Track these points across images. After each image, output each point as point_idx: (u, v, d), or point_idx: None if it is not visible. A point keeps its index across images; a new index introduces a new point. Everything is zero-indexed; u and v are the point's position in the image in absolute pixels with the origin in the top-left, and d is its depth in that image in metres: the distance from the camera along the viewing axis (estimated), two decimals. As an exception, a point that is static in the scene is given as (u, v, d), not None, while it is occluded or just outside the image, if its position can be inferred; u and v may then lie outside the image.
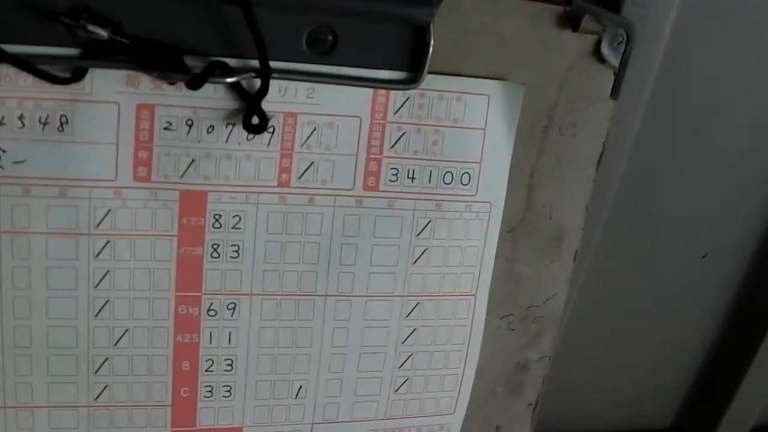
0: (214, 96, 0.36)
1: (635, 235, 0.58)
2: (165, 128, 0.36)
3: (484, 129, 0.40)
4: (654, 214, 0.57)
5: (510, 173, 0.42)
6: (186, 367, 0.40)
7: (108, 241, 0.37)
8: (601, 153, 0.44)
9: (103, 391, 0.39)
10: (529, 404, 0.50)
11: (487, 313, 0.45)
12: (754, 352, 0.66)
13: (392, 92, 0.38)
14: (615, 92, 0.42)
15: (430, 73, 0.38)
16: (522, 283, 0.46)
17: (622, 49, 0.42)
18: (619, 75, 0.42)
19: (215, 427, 0.42)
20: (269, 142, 0.37)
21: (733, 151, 0.56)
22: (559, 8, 0.40)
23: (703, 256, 0.61)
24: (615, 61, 0.42)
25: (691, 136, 0.54)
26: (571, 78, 0.41)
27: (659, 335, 0.66)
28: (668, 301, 0.64)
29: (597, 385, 0.67)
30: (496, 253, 0.44)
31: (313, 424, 0.44)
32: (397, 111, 0.39)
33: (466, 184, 0.41)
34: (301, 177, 0.38)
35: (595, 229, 0.51)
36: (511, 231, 0.44)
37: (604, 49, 0.41)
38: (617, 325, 0.63)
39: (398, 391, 0.45)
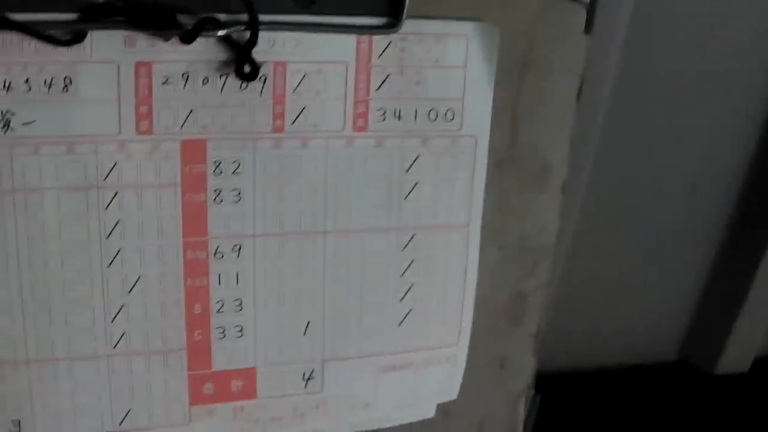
0: (207, 50, 0.38)
1: (627, 169, 0.59)
2: (163, 83, 0.38)
3: (464, 68, 0.42)
4: (643, 149, 0.59)
5: (493, 111, 0.44)
6: (198, 310, 0.42)
7: (116, 193, 0.39)
8: (580, 87, 0.46)
9: (120, 339, 0.41)
10: (530, 334, 0.52)
11: (483, 245, 0.47)
12: (750, 281, 0.68)
13: (374, 37, 0.40)
14: (588, 27, 0.44)
15: (409, 17, 0.40)
16: (513, 215, 0.48)
17: (592, -16, 0.44)
18: (591, 9, 0.44)
19: (230, 368, 0.44)
20: (261, 90, 0.39)
21: (720, 82, 0.57)
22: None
23: (694, 188, 0.63)
24: (585, -4, 0.44)
25: (675, 69, 0.56)
26: (544, 16, 0.43)
27: (657, 269, 0.68)
28: (663, 234, 0.65)
29: (602, 323, 0.69)
30: (486, 186, 0.46)
31: (323, 360, 0.46)
32: (380, 55, 0.41)
33: (451, 120, 0.43)
34: (294, 122, 0.40)
35: (585, 163, 0.53)
36: (498, 165, 0.46)
37: (574, -16, 0.43)
38: (615, 263, 0.65)
39: (402, 324, 0.47)
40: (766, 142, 0.63)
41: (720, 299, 0.72)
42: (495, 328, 0.51)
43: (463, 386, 0.51)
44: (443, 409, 0.51)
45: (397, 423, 0.49)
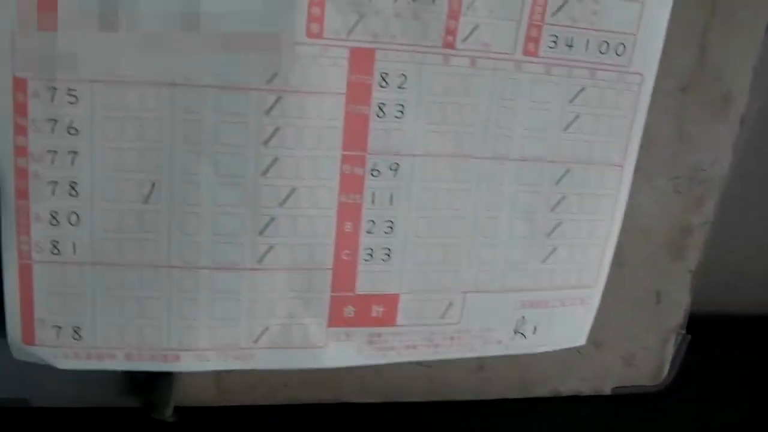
0: (385, -42, 0.37)
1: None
2: (335, -13, 0.37)
3: (642, 2, 0.41)
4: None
5: (683, 33, 0.44)
6: (348, 228, 0.41)
7: (279, 98, 0.38)
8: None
9: (267, 253, 0.40)
10: (690, 270, 0.51)
11: (655, 173, 0.47)
12: None
13: (556, -39, 0.40)
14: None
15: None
16: (689, 143, 0.47)
17: None
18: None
19: (373, 292, 0.43)
20: (436, 3, 0.38)
21: None
22: None
23: None
24: None
25: None
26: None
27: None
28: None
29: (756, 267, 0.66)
30: (666, 110, 0.46)
31: (465, 291, 0.45)
32: (560, -20, 0.40)
33: (621, 55, 0.42)
34: (465, 40, 0.39)
35: (760, 98, 0.52)
36: (683, 90, 0.46)
37: None
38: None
39: (546, 261, 0.45)
40: None
41: None
42: (655, 260, 0.50)
43: (616, 318, 0.51)
44: (594, 340, 0.49)
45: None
